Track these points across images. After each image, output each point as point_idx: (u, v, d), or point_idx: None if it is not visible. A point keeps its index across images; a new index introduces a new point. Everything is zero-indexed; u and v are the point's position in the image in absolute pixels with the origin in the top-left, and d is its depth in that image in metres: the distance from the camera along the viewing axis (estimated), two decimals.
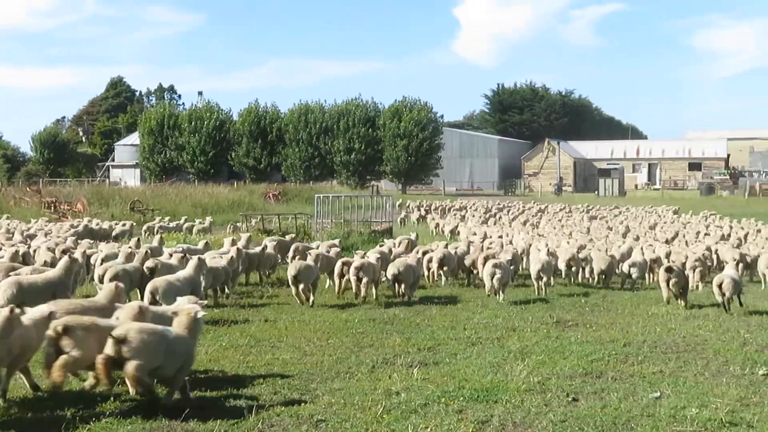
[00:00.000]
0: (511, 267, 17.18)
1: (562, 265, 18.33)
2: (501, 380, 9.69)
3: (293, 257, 17.79)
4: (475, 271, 17.92)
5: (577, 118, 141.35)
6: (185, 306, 9.21)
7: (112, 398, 8.60)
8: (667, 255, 19.47)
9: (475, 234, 26.77)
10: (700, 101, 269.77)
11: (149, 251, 16.34)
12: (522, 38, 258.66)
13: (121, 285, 10.79)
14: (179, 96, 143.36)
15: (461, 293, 16.79)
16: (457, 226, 32.41)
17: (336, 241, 20.85)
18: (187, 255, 15.34)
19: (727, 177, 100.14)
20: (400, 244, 20.75)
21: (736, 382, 9.70)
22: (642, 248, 20.41)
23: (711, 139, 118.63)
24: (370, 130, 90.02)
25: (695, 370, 10.32)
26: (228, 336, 12.14)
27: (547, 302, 15.61)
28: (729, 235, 27.64)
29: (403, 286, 15.85)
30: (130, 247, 17.57)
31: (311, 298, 14.95)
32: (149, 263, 14.46)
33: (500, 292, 15.77)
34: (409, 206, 49.88)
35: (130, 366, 8.01)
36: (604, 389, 9.41)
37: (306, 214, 34.09)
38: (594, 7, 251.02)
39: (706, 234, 28.20)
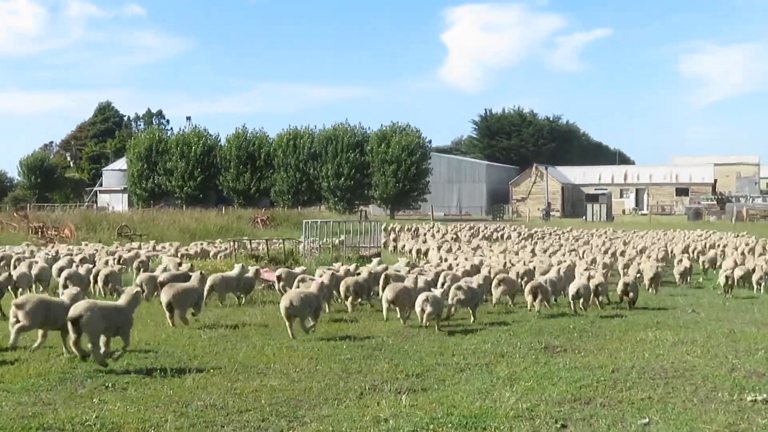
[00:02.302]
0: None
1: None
2: (490, 406, 9.65)
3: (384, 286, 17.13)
4: None
5: (564, 144, 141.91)
6: None
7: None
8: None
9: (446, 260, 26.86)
10: (687, 127, 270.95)
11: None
12: (509, 64, 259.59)
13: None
14: (167, 121, 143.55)
15: (450, 318, 16.75)
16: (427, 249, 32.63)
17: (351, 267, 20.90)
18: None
19: (714, 202, 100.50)
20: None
21: (724, 409, 9.69)
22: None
23: (698, 164, 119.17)
24: (359, 155, 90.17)
25: (684, 396, 10.31)
26: (215, 362, 12.08)
27: (536, 328, 15.59)
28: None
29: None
30: None
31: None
32: None
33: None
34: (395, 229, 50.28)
35: None
36: (593, 415, 9.39)
37: (293, 239, 34.06)
38: (580, 33, 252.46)
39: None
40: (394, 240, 41.03)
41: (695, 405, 9.88)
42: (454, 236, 45.73)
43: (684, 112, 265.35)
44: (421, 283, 16.79)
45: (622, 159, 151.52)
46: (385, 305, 15.96)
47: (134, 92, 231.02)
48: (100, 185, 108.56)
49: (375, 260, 22.51)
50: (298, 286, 17.17)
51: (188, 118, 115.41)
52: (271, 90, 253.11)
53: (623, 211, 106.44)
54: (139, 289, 13.82)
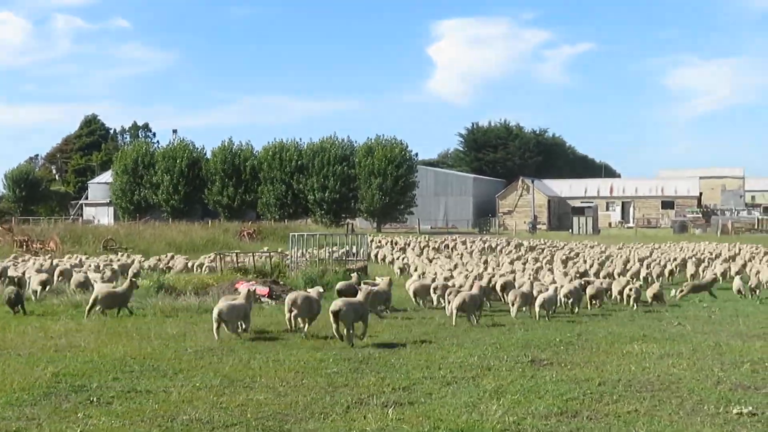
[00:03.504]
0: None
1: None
2: (476, 420, 9.64)
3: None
4: None
5: (551, 157, 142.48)
6: None
7: None
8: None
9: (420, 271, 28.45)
10: (672, 140, 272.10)
11: None
12: (495, 77, 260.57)
13: None
14: (154, 134, 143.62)
15: (436, 331, 16.74)
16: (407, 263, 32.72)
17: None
18: None
19: (700, 215, 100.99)
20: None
21: (710, 421, 9.69)
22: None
23: (683, 177, 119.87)
24: (345, 168, 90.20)
25: (670, 409, 10.31)
26: (200, 376, 12.03)
27: (522, 341, 15.58)
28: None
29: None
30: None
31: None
32: None
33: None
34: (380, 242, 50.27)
35: None
36: (580, 429, 9.38)
37: (279, 252, 34.01)
38: (566, 47, 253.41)
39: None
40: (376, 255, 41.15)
41: (681, 418, 9.88)
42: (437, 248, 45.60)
43: (669, 125, 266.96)
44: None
45: (608, 172, 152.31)
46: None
47: (120, 105, 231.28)
48: (86, 198, 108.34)
49: (380, 280, 22.04)
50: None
51: (174, 131, 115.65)
52: (258, 103, 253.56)
53: (609, 224, 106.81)
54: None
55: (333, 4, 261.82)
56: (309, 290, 17.29)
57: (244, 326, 15.81)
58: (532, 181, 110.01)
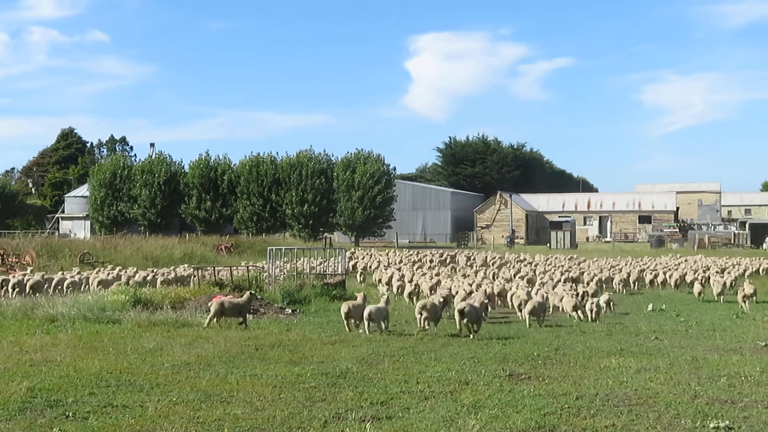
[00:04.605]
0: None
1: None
2: None
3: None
4: None
5: (528, 171, 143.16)
6: None
7: None
8: None
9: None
10: (649, 154, 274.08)
11: None
12: (473, 92, 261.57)
13: None
14: (131, 147, 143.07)
15: (414, 345, 16.74)
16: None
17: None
18: None
19: (677, 230, 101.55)
20: None
21: None
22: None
23: (660, 192, 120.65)
24: (323, 182, 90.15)
25: (647, 423, 10.33)
26: (177, 391, 11.96)
27: (500, 355, 15.60)
28: None
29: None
30: None
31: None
32: None
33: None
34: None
35: None
36: None
37: (257, 266, 33.94)
38: (543, 62, 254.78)
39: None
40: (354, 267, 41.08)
41: None
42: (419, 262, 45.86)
43: (646, 140, 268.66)
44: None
45: (585, 186, 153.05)
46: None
47: (97, 118, 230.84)
48: (62, 212, 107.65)
49: (383, 296, 21.88)
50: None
51: (152, 145, 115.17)
52: (236, 117, 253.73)
53: (587, 239, 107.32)
54: None
55: (310, 19, 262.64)
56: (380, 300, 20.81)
57: (384, 325, 18.98)
58: (510, 196, 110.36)
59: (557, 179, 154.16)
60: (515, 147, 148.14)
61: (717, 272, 37.84)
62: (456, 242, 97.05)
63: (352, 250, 58.89)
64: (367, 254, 53.74)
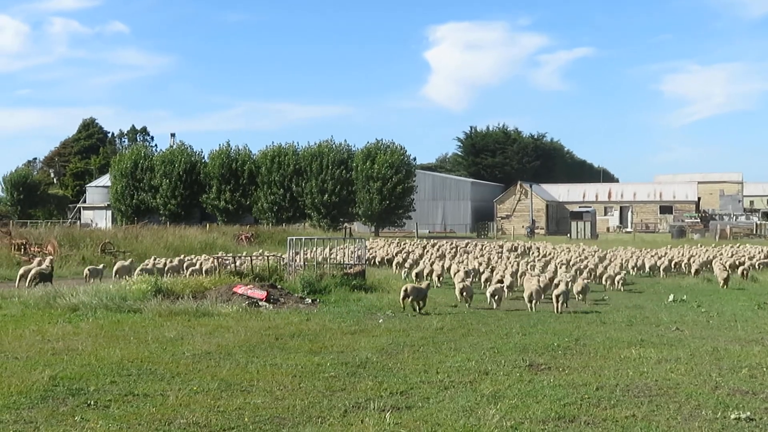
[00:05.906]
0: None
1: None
2: (474, 424, 9.62)
3: None
4: None
5: (549, 161, 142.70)
6: None
7: None
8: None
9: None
10: (671, 145, 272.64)
11: None
12: (493, 82, 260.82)
13: None
14: (152, 138, 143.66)
15: (434, 335, 16.74)
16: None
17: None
18: None
19: (698, 220, 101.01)
20: None
21: (708, 427, 9.68)
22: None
23: (681, 182, 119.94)
24: (343, 172, 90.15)
25: (668, 414, 10.29)
26: (198, 380, 12.00)
27: (520, 345, 15.58)
28: None
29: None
30: None
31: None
32: None
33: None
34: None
35: None
36: None
37: (276, 254, 33.98)
38: (563, 52, 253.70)
39: None
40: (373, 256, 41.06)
41: (679, 423, 9.87)
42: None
43: (666, 131, 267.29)
44: None
45: (606, 177, 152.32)
46: None
47: (118, 109, 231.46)
48: (84, 202, 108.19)
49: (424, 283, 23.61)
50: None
51: (173, 135, 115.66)
52: (255, 108, 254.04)
53: (607, 229, 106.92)
54: None
55: (330, 9, 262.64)
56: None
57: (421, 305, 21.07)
58: (530, 186, 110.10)
59: (578, 169, 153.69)
60: (536, 137, 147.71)
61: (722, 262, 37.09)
62: (476, 232, 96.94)
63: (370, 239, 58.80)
64: (402, 248, 52.45)
